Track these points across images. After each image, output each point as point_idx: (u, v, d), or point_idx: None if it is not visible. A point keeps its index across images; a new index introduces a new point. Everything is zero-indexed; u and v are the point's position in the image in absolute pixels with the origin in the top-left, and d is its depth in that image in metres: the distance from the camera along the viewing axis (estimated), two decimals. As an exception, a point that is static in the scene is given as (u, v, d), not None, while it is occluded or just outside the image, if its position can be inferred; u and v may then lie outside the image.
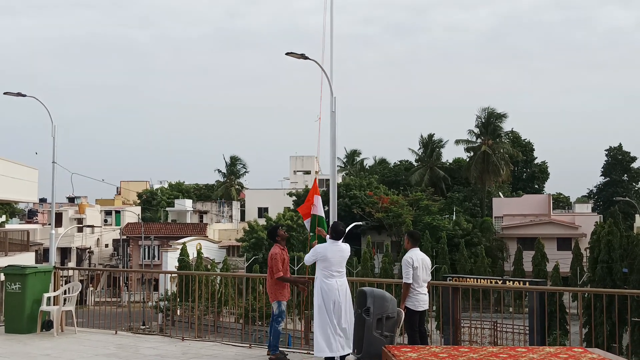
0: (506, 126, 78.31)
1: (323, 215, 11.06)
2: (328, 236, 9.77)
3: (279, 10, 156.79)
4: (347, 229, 12.83)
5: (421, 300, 9.74)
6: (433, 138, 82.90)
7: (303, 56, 13.50)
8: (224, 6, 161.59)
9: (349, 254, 9.65)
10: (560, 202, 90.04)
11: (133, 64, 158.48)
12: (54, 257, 23.66)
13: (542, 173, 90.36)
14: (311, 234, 10.91)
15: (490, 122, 74.49)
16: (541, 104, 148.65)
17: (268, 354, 10.18)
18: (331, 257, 9.34)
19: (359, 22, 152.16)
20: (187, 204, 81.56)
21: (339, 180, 76.66)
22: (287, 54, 13.61)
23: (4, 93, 21.07)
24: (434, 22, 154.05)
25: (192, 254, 56.09)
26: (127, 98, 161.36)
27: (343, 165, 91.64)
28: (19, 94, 21.02)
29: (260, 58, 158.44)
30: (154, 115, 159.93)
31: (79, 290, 13.06)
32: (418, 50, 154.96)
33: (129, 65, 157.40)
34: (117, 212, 79.92)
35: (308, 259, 9.51)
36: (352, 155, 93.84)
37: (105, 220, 78.75)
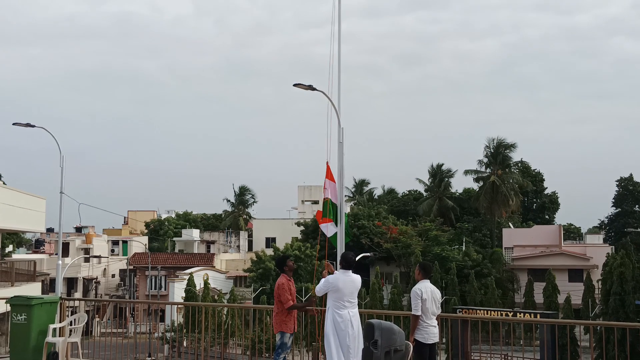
0: (515, 156, 78.46)
1: (336, 202, 11.72)
2: (320, 266, 9.76)
3: (287, 40, 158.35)
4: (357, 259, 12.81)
5: (431, 332, 9.65)
6: (442, 168, 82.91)
7: (310, 87, 13.57)
8: (233, 36, 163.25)
9: (360, 284, 9.60)
10: (571, 233, 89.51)
11: (141, 93, 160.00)
12: (61, 288, 23.63)
13: (552, 203, 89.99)
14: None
15: (499, 152, 74.46)
16: (551, 134, 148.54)
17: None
18: (343, 287, 9.30)
19: (367, 52, 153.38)
20: (195, 234, 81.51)
21: (347, 210, 76.52)
22: (294, 85, 13.67)
23: (13, 124, 21.22)
24: (442, 52, 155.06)
25: (199, 284, 55.88)
26: (135, 128, 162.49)
27: (351, 195, 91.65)
28: (28, 125, 21.16)
29: (268, 88, 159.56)
30: (162, 145, 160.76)
31: (85, 321, 13.02)
32: (426, 80, 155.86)
33: (137, 95, 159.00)
34: (124, 242, 79.95)
35: (319, 289, 9.48)
36: (361, 185, 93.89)
37: (112, 250, 78.74)
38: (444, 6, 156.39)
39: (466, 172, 76.54)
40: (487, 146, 75.28)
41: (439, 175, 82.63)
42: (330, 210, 11.88)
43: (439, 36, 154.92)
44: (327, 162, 12.63)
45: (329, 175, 12.17)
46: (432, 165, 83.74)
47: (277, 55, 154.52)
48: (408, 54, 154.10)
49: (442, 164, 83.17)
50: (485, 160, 75.44)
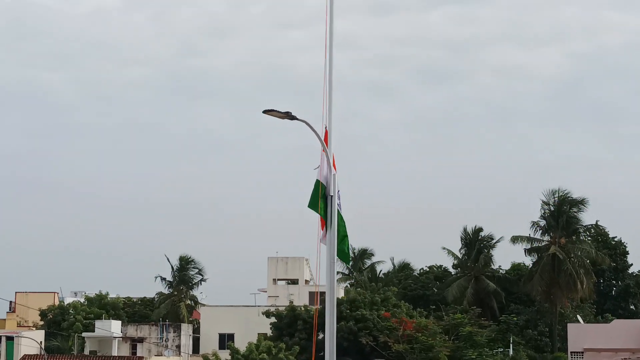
0: (586, 218, 78.86)
1: (324, 182, 13.50)
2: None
3: (256, 46, 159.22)
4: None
5: None
6: (480, 234, 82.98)
7: (289, 115, 13.72)
8: (177, 39, 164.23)
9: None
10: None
11: (41, 119, 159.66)
12: None
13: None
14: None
15: (562, 212, 74.73)
16: (638, 185, 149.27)
17: None
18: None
19: (373, 64, 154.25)
20: (114, 326, 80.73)
21: (341, 294, 75.90)
22: (265, 112, 13.86)
23: None
24: (482, 64, 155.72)
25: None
26: (29, 170, 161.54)
27: (347, 273, 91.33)
28: None
29: (227, 114, 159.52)
30: (68, 196, 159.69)
31: None
32: (458, 105, 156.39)
33: (34, 122, 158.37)
34: (10, 338, 78.99)
35: None
36: (361, 257, 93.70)
37: (-9, 351, 77.81)
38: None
39: (515, 239, 76.65)
40: (545, 202, 75.56)
41: (476, 245, 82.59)
42: (317, 197, 13.64)
43: (478, 42, 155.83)
44: (325, 127, 13.95)
45: (326, 144, 13.90)
46: (465, 230, 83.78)
47: (241, 66, 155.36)
48: (433, 67, 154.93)
49: (480, 228, 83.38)
50: (543, 222, 75.67)
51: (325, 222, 14.64)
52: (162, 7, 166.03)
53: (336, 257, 14.95)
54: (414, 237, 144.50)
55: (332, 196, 13.95)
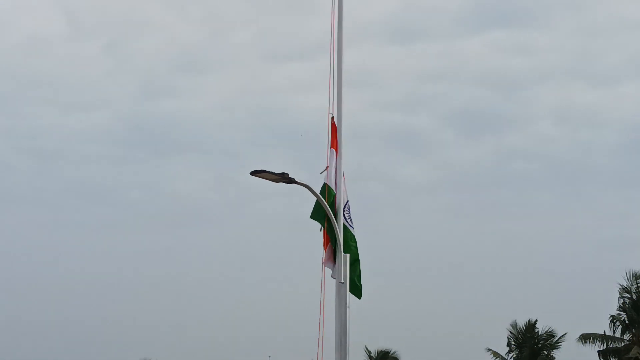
0: (679, 309, 78.04)
1: (334, 190, 14.83)
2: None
3: (241, 82, 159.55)
4: None
5: None
6: (535, 328, 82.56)
7: (284, 178, 13.92)
8: (139, 76, 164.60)
9: None
10: None
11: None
12: None
13: None
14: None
15: (647, 301, 74.34)
16: None
17: None
18: None
19: (396, 106, 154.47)
20: None
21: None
22: (254, 173, 13.89)
23: None
24: (539, 107, 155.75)
25: None
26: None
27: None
28: None
29: (204, 173, 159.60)
30: (12, 288, 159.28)
31: None
32: (506, 160, 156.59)
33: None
34: None
35: None
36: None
37: None
38: (543, 21, 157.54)
39: (584, 338, 76.48)
40: (623, 289, 75.41)
41: (530, 343, 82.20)
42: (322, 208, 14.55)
43: (533, 78, 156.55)
44: (332, 117, 15.63)
45: (333, 140, 15.22)
46: (515, 325, 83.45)
47: (222, 110, 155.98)
48: (473, 111, 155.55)
49: (535, 321, 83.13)
50: (622, 315, 75.32)
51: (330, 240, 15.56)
52: (119, 35, 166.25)
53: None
54: (449, 335, 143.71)
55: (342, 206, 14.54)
